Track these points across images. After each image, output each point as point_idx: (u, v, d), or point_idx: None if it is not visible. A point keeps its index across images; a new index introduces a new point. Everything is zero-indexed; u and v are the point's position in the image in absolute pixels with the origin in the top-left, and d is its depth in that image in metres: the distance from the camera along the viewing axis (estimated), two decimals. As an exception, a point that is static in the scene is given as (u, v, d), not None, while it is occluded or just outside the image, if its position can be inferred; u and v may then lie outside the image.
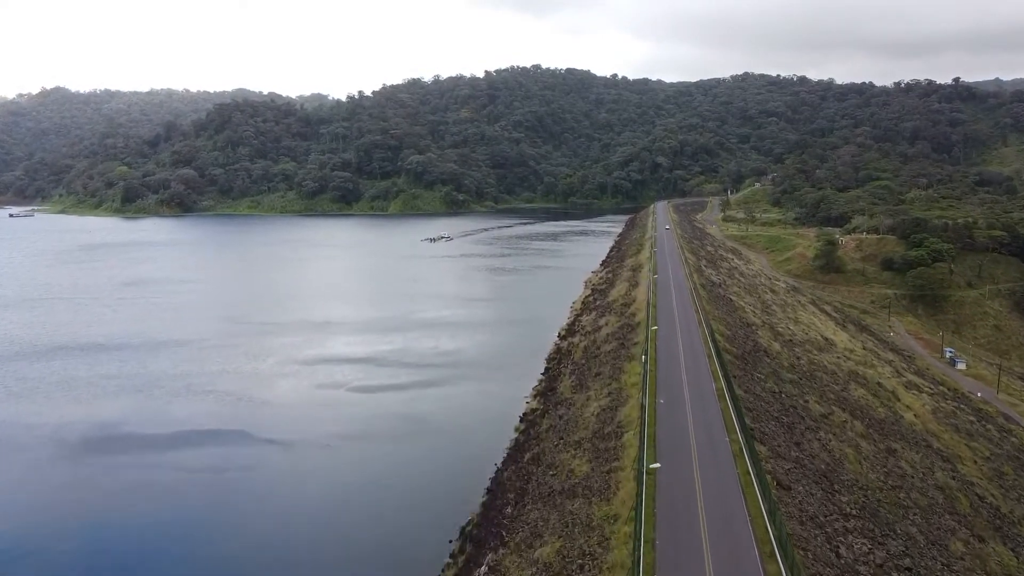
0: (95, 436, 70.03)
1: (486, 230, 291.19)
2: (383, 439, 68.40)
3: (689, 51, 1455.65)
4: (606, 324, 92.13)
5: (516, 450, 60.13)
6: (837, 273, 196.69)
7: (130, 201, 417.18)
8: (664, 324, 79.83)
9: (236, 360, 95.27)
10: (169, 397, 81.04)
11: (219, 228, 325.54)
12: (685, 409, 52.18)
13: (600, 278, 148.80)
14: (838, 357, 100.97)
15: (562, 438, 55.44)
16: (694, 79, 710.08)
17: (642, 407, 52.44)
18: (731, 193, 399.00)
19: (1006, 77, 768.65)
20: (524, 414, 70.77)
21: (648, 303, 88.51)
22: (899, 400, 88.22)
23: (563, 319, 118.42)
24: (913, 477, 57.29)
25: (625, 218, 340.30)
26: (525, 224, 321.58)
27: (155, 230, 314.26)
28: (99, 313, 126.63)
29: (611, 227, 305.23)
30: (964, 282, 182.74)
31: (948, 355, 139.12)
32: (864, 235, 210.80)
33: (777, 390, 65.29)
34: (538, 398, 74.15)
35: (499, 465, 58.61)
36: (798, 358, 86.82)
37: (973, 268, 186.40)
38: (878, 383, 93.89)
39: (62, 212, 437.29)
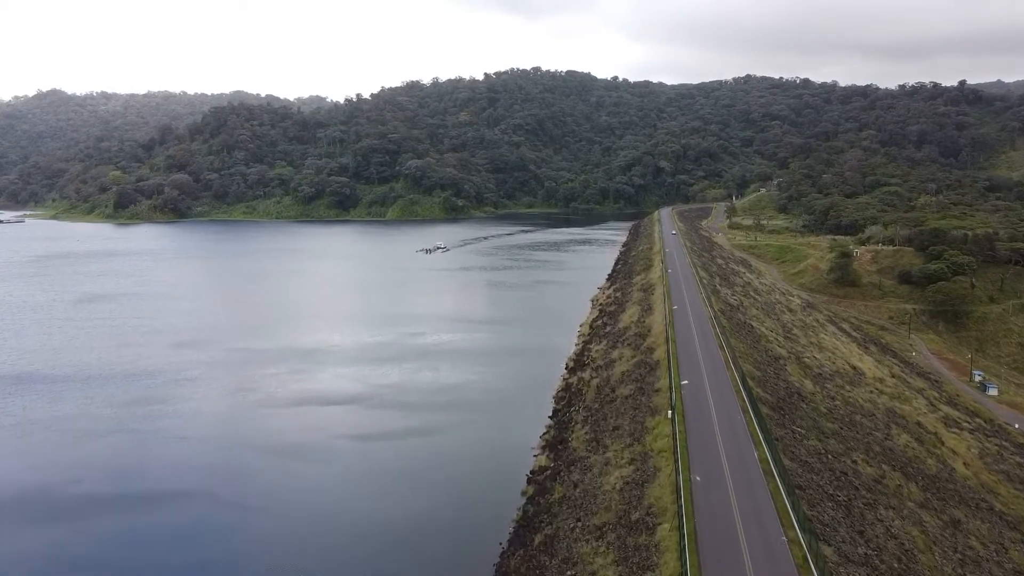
0: (38, 497, 61.46)
1: (485, 239, 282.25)
2: (372, 504, 59.85)
3: (685, 54, 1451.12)
4: (620, 359, 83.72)
5: (524, 526, 51.69)
6: (853, 287, 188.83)
7: (123, 207, 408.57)
8: (687, 366, 71.43)
9: (212, 398, 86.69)
10: (134, 445, 72.55)
11: (210, 236, 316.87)
12: (727, 490, 43.82)
13: (608, 297, 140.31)
14: (871, 391, 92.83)
15: (579, 519, 47.05)
16: (691, 81, 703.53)
17: (675, 487, 44.08)
18: (736, 199, 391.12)
19: (1008, 79, 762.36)
20: (532, 472, 62.35)
21: (667, 337, 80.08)
22: (943, 444, 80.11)
23: (570, 345, 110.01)
24: (988, 560, 49.16)
25: (628, 225, 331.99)
26: (526, 232, 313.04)
27: (145, 238, 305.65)
28: (71, 336, 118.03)
29: (614, 235, 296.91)
30: (986, 297, 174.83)
31: (978, 379, 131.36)
32: (880, 247, 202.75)
33: (822, 449, 57.02)
34: (547, 451, 65.72)
35: (504, 546, 50.17)
36: (832, 398, 78.61)
37: (995, 282, 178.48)
38: (918, 422, 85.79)
39: (54, 218, 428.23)
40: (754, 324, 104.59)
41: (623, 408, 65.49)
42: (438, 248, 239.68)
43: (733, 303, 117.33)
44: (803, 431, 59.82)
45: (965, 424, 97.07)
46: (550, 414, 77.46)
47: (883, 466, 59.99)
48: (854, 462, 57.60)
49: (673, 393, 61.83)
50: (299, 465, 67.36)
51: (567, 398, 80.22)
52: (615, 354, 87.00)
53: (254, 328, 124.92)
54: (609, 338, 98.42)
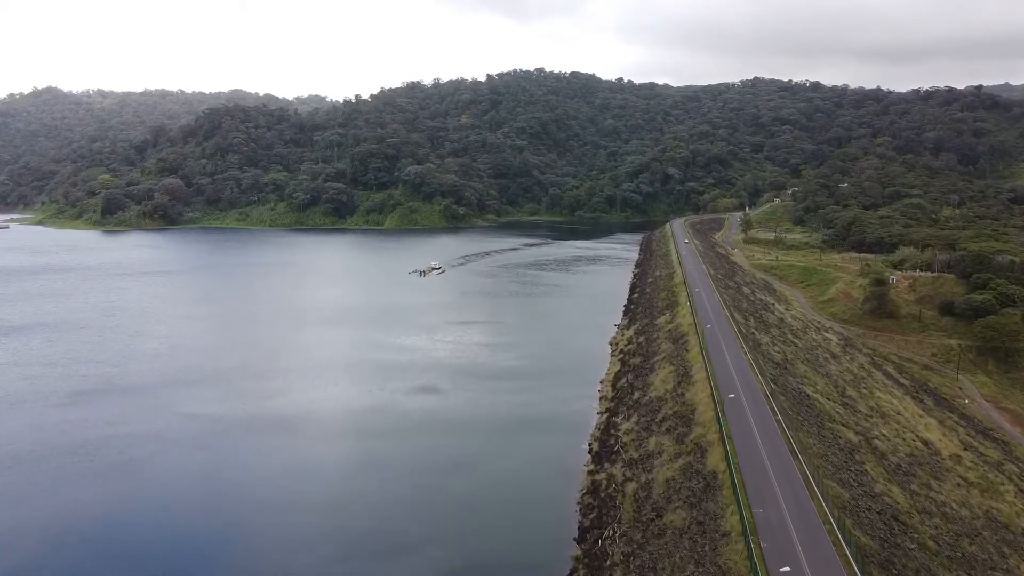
0: None
1: (487, 254, 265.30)
2: None
3: (680, 56, 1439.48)
4: (660, 454, 67.64)
5: None
6: (890, 319, 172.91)
7: (111, 213, 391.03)
8: (755, 485, 55.17)
9: (150, 498, 69.67)
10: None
11: (197, 246, 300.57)
12: None
13: (629, 341, 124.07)
14: (958, 484, 77.10)
15: None
16: (686, 84, 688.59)
17: None
18: (749, 209, 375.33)
19: (1015, 82, 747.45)
20: (558, 651, 46.42)
21: (722, 434, 63.85)
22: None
23: (591, 412, 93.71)
24: None
25: (638, 237, 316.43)
26: (529, 246, 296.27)
27: (128, 247, 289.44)
28: (6, 387, 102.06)
29: (624, 250, 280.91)
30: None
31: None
32: (917, 272, 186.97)
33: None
34: (577, 611, 49.64)
35: None
36: (928, 512, 62.84)
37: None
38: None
39: (40, 223, 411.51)
40: (808, 391, 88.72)
41: (677, 556, 49.43)
42: (433, 269, 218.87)
43: (778, 359, 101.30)
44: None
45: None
46: (575, 535, 61.28)
47: (1035, 651, 44.35)
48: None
49: (750, 543, 45.74)
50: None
51: (596, 509, 64.07)
52: (652, 443, 70.93)
53: (217, 380, 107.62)
54: (640, 412, 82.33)
